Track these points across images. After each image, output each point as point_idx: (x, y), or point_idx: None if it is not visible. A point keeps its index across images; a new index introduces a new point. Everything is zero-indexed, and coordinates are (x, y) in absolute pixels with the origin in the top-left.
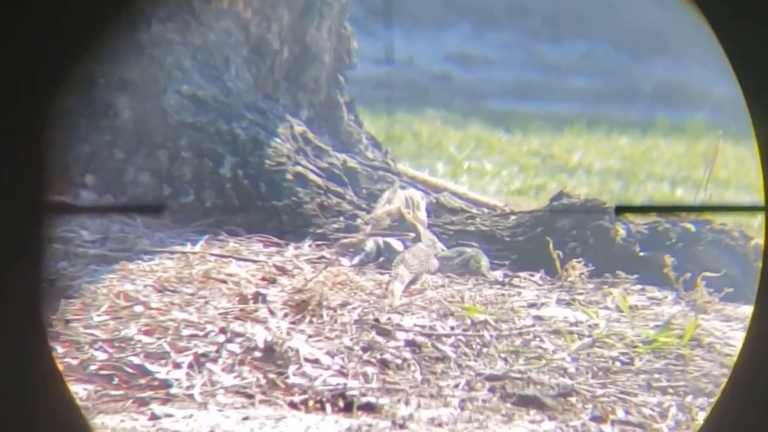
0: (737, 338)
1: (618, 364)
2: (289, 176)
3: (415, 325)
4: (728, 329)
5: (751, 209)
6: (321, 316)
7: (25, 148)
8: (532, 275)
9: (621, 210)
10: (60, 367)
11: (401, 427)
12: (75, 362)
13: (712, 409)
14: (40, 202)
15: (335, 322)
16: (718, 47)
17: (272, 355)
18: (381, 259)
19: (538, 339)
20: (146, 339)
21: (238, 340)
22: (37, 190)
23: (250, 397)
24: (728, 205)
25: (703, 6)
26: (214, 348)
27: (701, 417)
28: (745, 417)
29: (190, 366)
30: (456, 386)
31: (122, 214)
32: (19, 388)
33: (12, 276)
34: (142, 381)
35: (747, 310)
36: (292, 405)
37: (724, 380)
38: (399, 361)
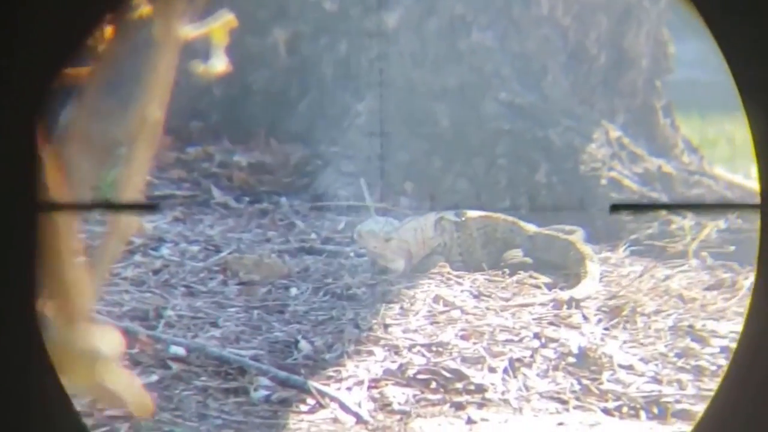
0: None
1: None
2: (603, 182)
3: (731, 332)
4: None
5: (746, 207)
6: (635, 322)
7: (18, 145)
8: None
9: (615, 207)
10: (56, 367)
11: None
12: (394, 366)
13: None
14: (34, 200)
15: (649, 328)
16: (714, 45)
17: (586, 361)
18: None
19: None
20: (463, 343)
21: (553, 345)
22: (31, 188)
23: (565, 402)
24: (724, 203)
25: (699, 4)
26: (528, 353)
27: None
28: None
29: (505, 371)
30: None
31: (116, 212)
32: (14, 390)
33: (5, 274)
34: (459, 385)
35: None
36: (606, 411)
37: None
38: (714, 368)
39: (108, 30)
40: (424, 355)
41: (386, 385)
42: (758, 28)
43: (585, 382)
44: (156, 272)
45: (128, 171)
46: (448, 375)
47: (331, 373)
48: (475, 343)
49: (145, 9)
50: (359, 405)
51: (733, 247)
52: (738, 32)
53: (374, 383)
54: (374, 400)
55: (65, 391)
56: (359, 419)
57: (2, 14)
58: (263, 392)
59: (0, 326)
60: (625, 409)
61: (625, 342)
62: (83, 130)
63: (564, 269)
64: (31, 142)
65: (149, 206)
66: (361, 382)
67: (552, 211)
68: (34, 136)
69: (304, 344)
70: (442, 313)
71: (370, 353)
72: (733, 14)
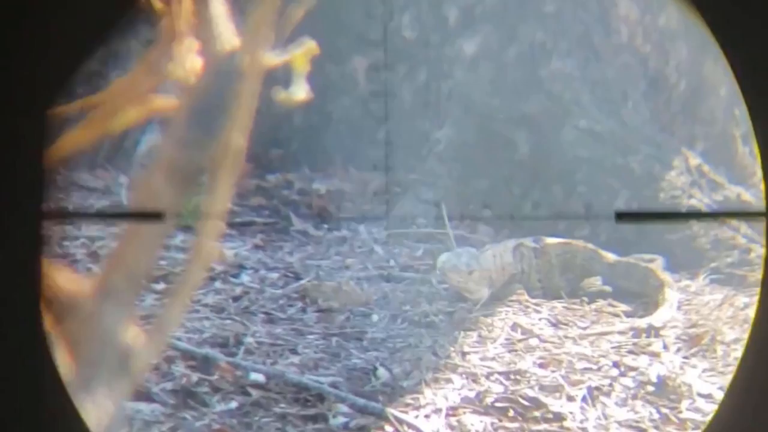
0: None
1: None
2: (683, 210)
3: None
4: None
5: (752, 215)
6: (714, 350)
7: (23, 153)
8: None
9: (621, 216)
10: (61, 372)
11: None
12: (472, 394)
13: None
14: (38, 209)
15: (728, 356)
16: (718, 49)
17: (665, 390)
18: None
19: None
20: (541, 372)
21: (632, 374)
22: (35, 196)
23: (644, 431)
24: (729, 211)
25: (702, 8)
26: (607, 381)
27: None
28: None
29: (584, 399)
30: None
31: (121, 220)
32: (19, 395)
33: (10, 281)
34: (537, 414)
35: None
36: None
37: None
38: None
39: (197, 63)
40: (502, 383)
41: (464, 413)
42: (762, 34)
43: (664, 410)
44: (236, 299)
45: (211, 198)
46: (526, 403)
47: (409, 401)
48: (553, 372)
49: (232, 41)
50: None
51: None
52: (743, 38)
53: (452, 411)
54: (452, 427)
55: (72, 400)
56: None
57: (11, 21)
58: (342, 419)
59: (5, 334)
60: None
61: (704, 371)
62: (168, 158)
63: (643, 297)
64: (36, 150)
65: (155, 215)
66: (439, 410)
67: (553, 219)
68: (41, 144)
69: (382, 371)
70: (520, 340)
71: (448, 381)
72: (738, 20)
